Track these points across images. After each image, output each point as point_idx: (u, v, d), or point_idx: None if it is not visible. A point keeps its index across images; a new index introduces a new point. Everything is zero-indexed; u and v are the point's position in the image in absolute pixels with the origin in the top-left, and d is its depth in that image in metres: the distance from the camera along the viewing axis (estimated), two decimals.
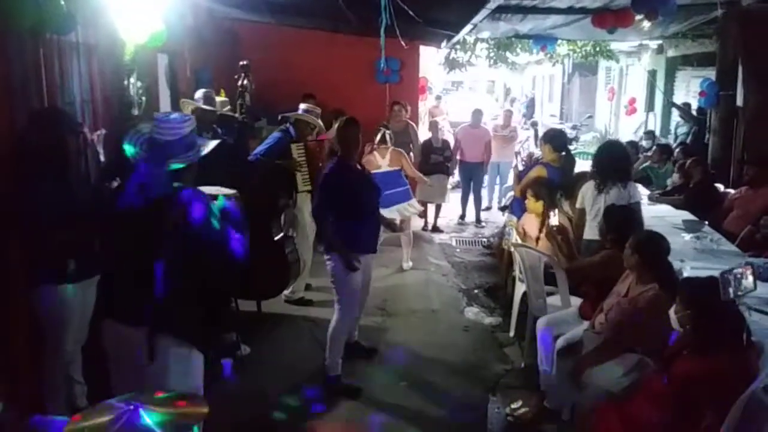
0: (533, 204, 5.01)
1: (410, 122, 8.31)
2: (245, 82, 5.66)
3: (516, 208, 5.89)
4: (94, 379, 3.43)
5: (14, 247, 3.28)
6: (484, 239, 8.49)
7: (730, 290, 2.79)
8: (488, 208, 10.06)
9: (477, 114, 9.40)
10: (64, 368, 3.41)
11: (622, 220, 3.95)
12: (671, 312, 2.93)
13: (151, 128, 2.72)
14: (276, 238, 5.18)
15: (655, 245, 3.43)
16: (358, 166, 4.44)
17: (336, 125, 4.42)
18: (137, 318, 2.59)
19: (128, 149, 2.68)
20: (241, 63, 5.87)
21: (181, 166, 2.68)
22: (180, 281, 2.59)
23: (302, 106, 5.75)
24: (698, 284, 2.86)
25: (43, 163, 3.21)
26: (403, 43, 7.56)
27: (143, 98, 5.29)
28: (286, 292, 5.57)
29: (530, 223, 5.10)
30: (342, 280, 4.24)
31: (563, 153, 5.53)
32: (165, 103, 6.12)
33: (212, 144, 2.89)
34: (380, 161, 6.63)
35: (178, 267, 2.58)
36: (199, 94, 5.36)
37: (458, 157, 9.14)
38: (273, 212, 5.31)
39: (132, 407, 1.64)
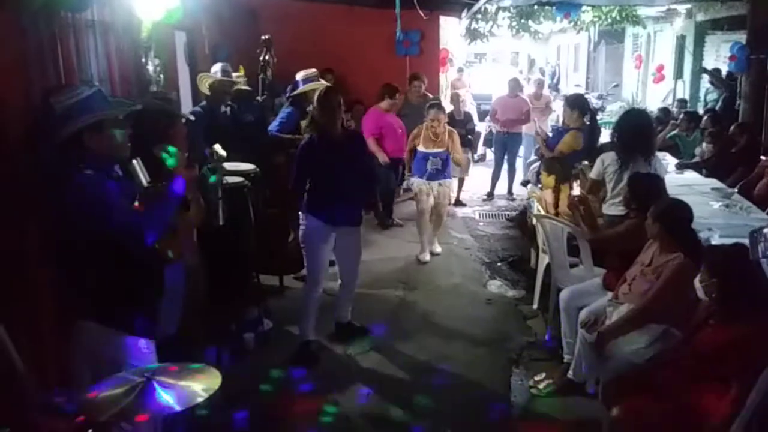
0: (546, 178, 4.93)
1: (428, 94, 8.18)
2: (267, 57, 5.61)
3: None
4: None
5: (33, 227, 3.31)
6: (507, 212, 8.38)
7: (759, 249, 2.69)
8: (527, 182, 9.67)
9: (514, 82, 9.14)
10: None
11: (647, 188, 3.85)
12: (696, 281, 2.85)
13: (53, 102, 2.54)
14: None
15: (677, 213, 3.34)
16: (343, 136, 4.28)
17: (315, 95, 4.31)
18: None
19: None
20: (263, 38, 5.80)
21: (70, 133, 2.46)
22: (81, 265, 2.49)
23: (299, 76, 5.58)
24: (724, 252, 2.77)
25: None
26: (422, 13, 7.45)
27: (161, 76, 5.29)
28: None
29: (547, 195, 5.02)
30: (308, 248, 4.31)
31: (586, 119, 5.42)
32: (184, 80, 6.12)
33: (120, 110, 2.72)
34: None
35: (77, 252, 2.48)
36: (217, 67, 5.32)
37: (494, 128, 8.94)
38: None
39: (145, 379, 1.65)
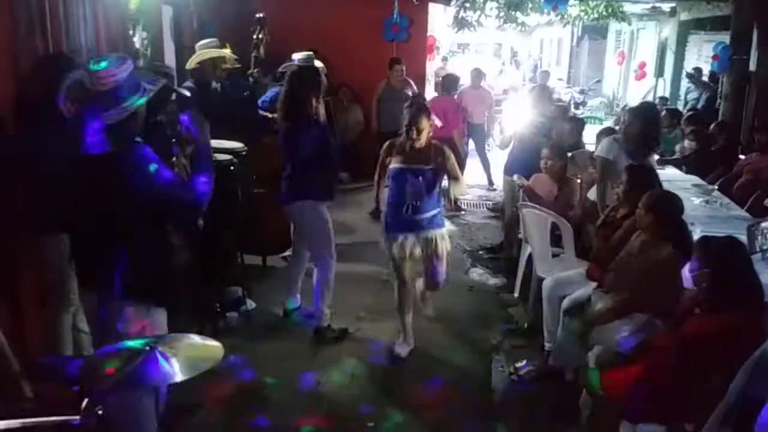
0: (551, 164, 4.99)
1: (408, 78, 8.16)
2: (260, 35, 5.52)
3: (518, 167, 5.77)
4: None
5: (19, 195, 3.26)
6: (489, 202, 8.44)
7: (757, 243, 2.75)
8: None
9: (476, 72, 9.08)
10: (71, 317, 3.42)
11: (648, 179, 3.86)
12: (684, 271, 2.91)
13: (83, 78, 2.52)
14: None
15: (670, 204, 3.39)
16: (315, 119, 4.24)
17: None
18: (90, 280, 2.58)
19: (63, 103, 2.54)
20: (257, 16, 5.71)
21: (126, 114, 2.46)
22: (131, 241, 2.49)
23: (296, 56, 5.55)
24: (718, 244, 2.83)
25: (47, 111, 3.16)
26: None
27: (148, 49, 5.21)
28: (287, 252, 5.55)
29: (542, 182, 5.06)
30: None
31: None
32: (169, 56, 6.03)
33: (160, 84, 2.70)
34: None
35: (128, 227, 2.48)
36: (204, 42, 5.21)
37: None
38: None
39: (149, 349, 1.64)
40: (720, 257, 2.72)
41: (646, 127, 4.36)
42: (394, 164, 4.18)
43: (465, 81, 9.52)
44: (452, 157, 4.29)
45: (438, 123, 4.41)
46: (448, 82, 8.06)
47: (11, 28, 3.29)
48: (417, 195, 4.09)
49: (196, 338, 1.88)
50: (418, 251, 4.16)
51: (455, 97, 8.25)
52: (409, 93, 7.87)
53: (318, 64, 5.43)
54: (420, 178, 4.10)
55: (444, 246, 4.26)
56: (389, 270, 4.44)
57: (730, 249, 2.77)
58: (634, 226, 3.57)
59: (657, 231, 3.32)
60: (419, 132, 4.08)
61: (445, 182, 4.39)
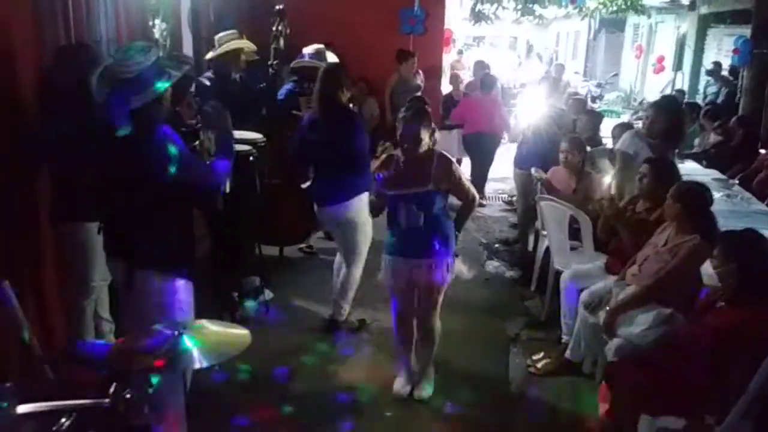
0: (570, 158, 4.96)
1: (418, 69, 8.13)
2: (280, 27, 5.51)
3: (532, 159, 5.74)
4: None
5: (41, 184, 3.30)
6: (505, 195, 8.42)
7: None
8: None
9: (478, 66, 9.08)
10: (92, 304, 3.46)
11: (671, 172, 3.85)
12: (706, 266, 2.89)
13: (112, 66, 2.59)
14: (303, 186, 5.15)
15: (699, 195, 3.37)
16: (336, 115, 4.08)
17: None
18: (120, 252, 2.71)
19: (96, 90, 2.60)
20: (276, 8, 5.71)
21: (151, 98, 2.56)
22: (155, 216, 2.63)
23: (307, 50, 5.46)
24: (744, 237, 2.82)
25: (69, 101, 3.19)
26: None
27: (167, 40, 5.23)
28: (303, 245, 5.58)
29: (560, 176, 5.04)
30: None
31: None
32: (187, 46, 6.05)
33: (184, 69, 2.79)
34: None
35: (153, 203, 2.61)
36: (224, 34, 5.22)
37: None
38: None
39: (177, 333, 1.66)
40: (746, 251, 2.71)
41: (671, 122, 4.32)
42: (386, 183, 3.37)
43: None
44: (460, 172, 3.44)
45: (437, 136, 3.43)
46: (487, 82, 7.99)
47: (35, 19, 3.32)
48: (413, 223, 3.31)
49: (223, 325, 1.91)
50: (420, 281, 3.44)
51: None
52: (419, 83, 7.89)
53: (331, 57, 5.43)
54: (415, 205, 3.28)
55: (439, 285, 3.46)
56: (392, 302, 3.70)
57: (756, 243, 2.76)
58: (658, 219, 3.56)
59: (685, 222, 3.30)
60: (417, 144, 3.25)
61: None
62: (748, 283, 2.67)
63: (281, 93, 5.58)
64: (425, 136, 3.27)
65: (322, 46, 5.49)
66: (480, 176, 7.65)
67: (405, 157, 3.32)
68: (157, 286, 2.69)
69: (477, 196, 3.52)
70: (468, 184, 3.48)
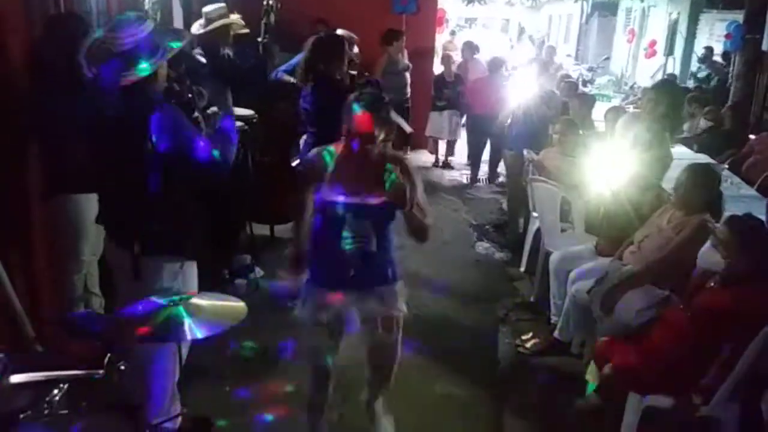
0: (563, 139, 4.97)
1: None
2: (271, 1, 5.42)
3: (523, 140, 5.77)
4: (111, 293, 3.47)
5: (30, 157, 3.25)
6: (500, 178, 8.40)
7: None
8: None
9: (466, 46, 9.03)
10: (82, 279, 3.44)
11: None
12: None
13: (103, 38, 2.42)
14: (294, 164, 5.12)
15: (708, 174, 3.48)
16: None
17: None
18: (122, 238, 2.56)
19: (86, 64, 2.43)
20: None
21: (147, 72, 2.38)
22: (157, 198, 2.47)
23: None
24: (752, 221, 2.87)
25: (62, 71, 3.13)
26: None
27: (158, 14, 5.14)
28: None
29: (552, 157, 5.05)
30: None
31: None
32: (178, 20, 5.97)
33: (185, 41, 2.68)
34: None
35: (154, 184, 2.45)
36: (211, 8, 5.11)
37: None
38: (292, 137, 5.22)
39: (173, 305, 1.65)
40: (754, 235, 2.76)
41: (673, 105, 4.36)
42: (324, 191, 2.45)
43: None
44: (414, 174, 2.46)
45: (407, 129, 2.90)
46: (495, 64, 7.95)
47: None
48: (360, 242, 2.46)
49: (220, 297, 1.90)
50: (359, 322, 2.64)
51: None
52: (407, 62, 7.84)
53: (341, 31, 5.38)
54: (365, 217, 2.45)
55: (398, 315, 2.70)
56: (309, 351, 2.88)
57: (760, 226, 2.82)
58: (657, 202, 3.61)
59: (694, 201, 3.36)
60: (368, 140, 2.40)
61: None
62: (747, 263, 2.71)
63: (297, 59, 5.48)
64: (382, 131, 2.40)
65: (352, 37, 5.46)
66: (487, 158, 7.64)
67: (355, 155, 2.44)
68: (167, 271, 2.57)
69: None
70: (417, 188, 2.47)
